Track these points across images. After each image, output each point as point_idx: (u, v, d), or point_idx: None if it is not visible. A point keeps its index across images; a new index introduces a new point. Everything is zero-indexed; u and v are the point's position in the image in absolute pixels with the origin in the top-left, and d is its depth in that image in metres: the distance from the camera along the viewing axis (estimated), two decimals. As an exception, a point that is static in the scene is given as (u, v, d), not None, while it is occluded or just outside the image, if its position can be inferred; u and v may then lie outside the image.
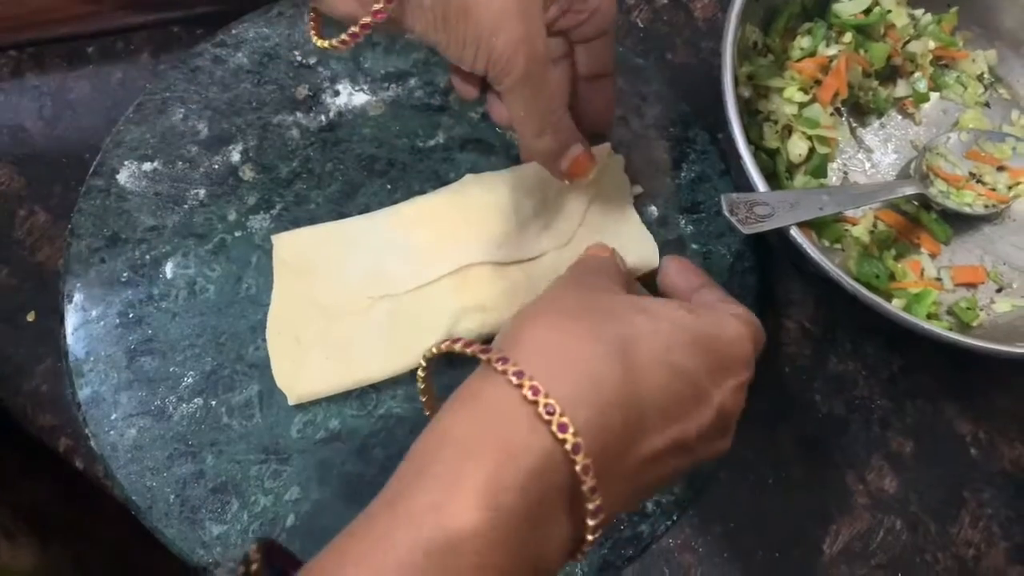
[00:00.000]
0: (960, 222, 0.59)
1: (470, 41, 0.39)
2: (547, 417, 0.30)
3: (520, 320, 0.34)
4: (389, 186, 0.53)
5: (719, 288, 0.43)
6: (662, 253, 0.53)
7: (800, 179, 0.57)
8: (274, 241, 0.50)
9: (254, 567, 0.30)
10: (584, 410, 0.31)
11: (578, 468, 0.30)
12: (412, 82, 0.55)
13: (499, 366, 0.31)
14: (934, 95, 0.62)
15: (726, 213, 0.46)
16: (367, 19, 0.38)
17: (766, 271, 0.56)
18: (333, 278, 0.49)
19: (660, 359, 0.33)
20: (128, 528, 0.48)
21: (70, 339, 0.48)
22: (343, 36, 0.39)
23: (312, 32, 0.42)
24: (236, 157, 0.52)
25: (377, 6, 0.37)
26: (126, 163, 0.51)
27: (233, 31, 0.56)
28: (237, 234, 0.51)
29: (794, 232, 0.47)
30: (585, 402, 0.31)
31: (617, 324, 0.34)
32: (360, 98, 0.55)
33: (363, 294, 0.49)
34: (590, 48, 0.46)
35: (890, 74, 0.62)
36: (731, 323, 0.38)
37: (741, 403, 0.37)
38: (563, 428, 0.30)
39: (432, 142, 0.54)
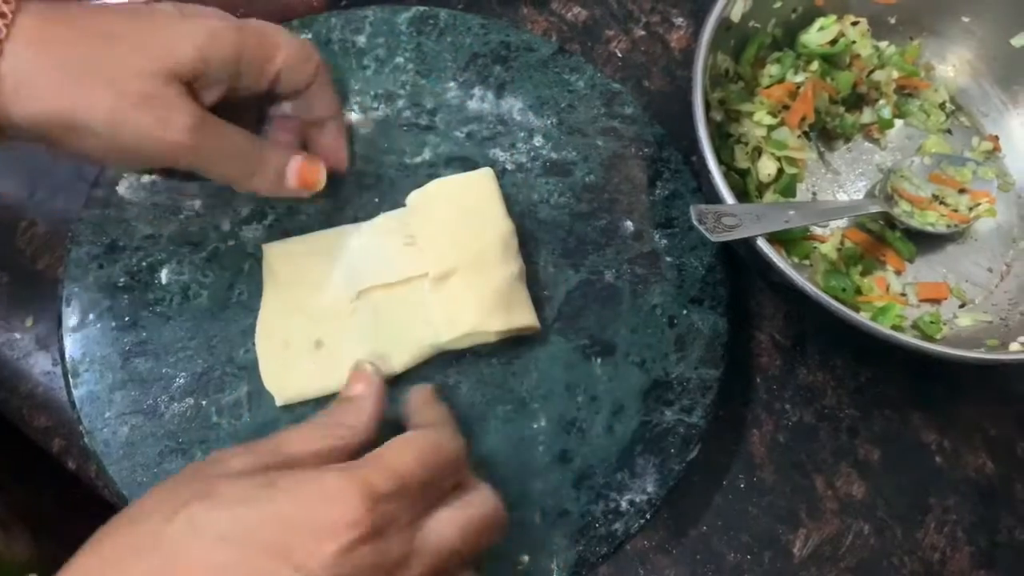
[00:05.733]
0: (924, 241, 0.62)
1: (121, 152, 0.42)
2: None
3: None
4: (377, 199, 0.55)
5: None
6: (639, 265, 0.55)
7: (769, 198, 0.60)
8: (264, 250, 0.52)
9: None
10: None
11: None
12: (400, 103, 0.58)
13: None
14: (898, 121, 0.65)
15: (695, 222, 0.48)
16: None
17: (738, 285, 0.58)
18: (319, 285, 0.51)
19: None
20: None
21: (67, 340, 0.50)
22: None
23: None
24: (231, 171, 0.55)
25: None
26: (125, 175, 0.53)
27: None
28: (230, 243, 0.53)
29: (760, 242, 0.49)
30: None
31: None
32: (350, 117, 0.57)
33: (346, 300, 0.51)
34: (306, 97, 0.49)
35: (856, 101, 0.65)
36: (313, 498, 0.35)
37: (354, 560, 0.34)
38: None
39: (419, 159, 0.56)
